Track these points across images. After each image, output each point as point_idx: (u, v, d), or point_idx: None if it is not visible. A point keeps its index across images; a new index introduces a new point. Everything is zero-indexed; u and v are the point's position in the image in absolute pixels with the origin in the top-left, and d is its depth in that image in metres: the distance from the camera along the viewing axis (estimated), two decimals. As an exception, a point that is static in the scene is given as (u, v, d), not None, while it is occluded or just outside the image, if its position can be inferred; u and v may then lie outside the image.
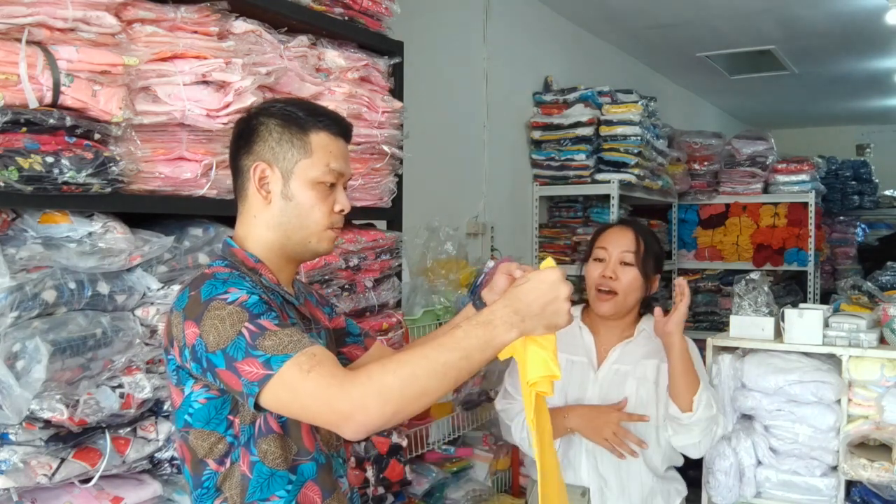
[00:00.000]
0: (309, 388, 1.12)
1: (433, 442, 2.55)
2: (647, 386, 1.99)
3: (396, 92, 2.27)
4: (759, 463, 2.50)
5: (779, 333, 2.57)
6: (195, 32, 1.64)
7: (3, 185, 1.30)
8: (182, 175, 1.62)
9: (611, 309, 2.01)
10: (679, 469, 2.10)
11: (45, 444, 1.38)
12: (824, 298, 4.31)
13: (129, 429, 1.52)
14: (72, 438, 1.42)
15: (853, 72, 6.51)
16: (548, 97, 4.48)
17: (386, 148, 2.18)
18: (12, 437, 1.36)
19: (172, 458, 1.57)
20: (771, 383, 2.43)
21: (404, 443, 2.19)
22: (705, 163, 5.43)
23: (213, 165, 1.66)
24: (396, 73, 2.27)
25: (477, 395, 2.71)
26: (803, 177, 5.34)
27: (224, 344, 1.16)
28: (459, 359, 1.15)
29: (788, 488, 2.48)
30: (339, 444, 1.43)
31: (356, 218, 2.16)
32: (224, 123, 1.65)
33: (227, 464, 1.27)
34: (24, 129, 1.34)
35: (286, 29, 1.89)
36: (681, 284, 1.92)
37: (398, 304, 2.29)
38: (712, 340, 2.62)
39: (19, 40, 1.33)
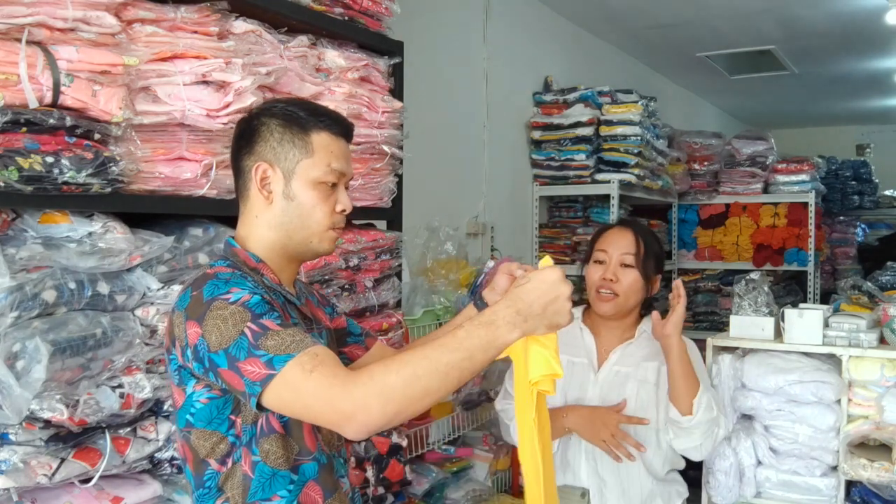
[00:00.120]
0: (311, 387, 1.12)
1: (433, 442, 2.55)
2: (648, 388, 1.98)
3: (396, 92, 2.27)
4: (759, 463, 2.50)
5: (779, 333, 2.57)
6: (195, 32, 1.63)
7: (3, 185, 1.30)
8: (182, 175, 1.62)
9: (611, 309, 2.01)
10: (679, 469, 2.10)
11: (45, 444, 1.38)
12: (824, 298, 4.31)
13: (129, 429, 1.52)
14: (72, 438, 1.42)
15: (853, 72, 6.51)
16: (548, 97, 4.48)
17: (386, 148, 2.18)
18: (12, 437, 1.36)
19: (172, 458, 1.57)
20: (771, 383, 2.43)
21: (404, 443, 2.19)
22: (705, 163, 5.43)
23: (213, 165, 1.66)
24: (396, 73, 2.27)
25: (477, 395, 2.71)
26: (803, 177, 5.34)
27: (226, 344, 1.16)
28: (462, 359, 1.15)
29: (788, 488, 2.48)
30: (340, 444, 1.43)
31: (356, 218, 2.16)
32: (224, 123, 1.65)
33: (229, 464, 1.27)
34: (24, 129, 1.34)
35: (286, 29, 1.89)
36: (677, 286, 1.92)
37: (398, 304, 2.29)
38: (712, 340, 2.62)
39: (19, 40, 1.33)
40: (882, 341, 2.46)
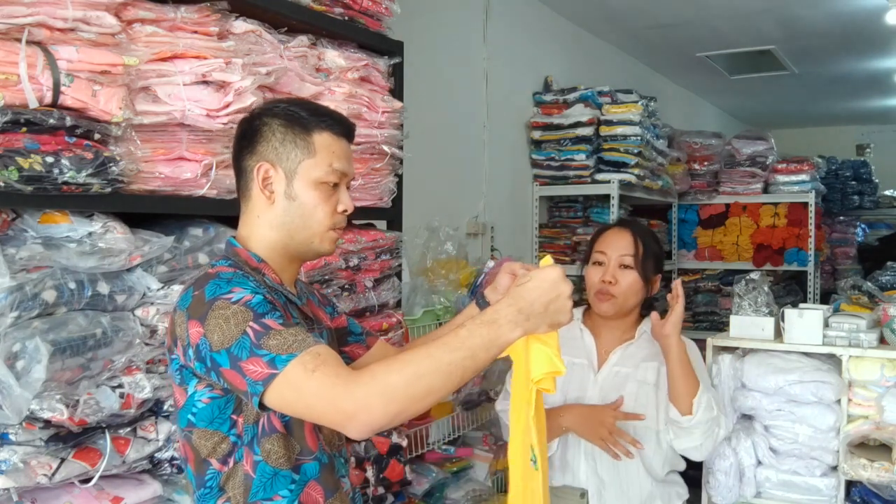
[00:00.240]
0: (313, 387, 1.12)
1: (433, 442, 2.55)
2: (647, 389, 1.98)
3: (396, 92, 2.27)
4: (759, 463, 2.50)
5: (779, 333, 2.57)
6: (195, 32, 1.64)
7: (3, 185, 1.30)
8: (182, 175, 1.62)
9: (611, 310, 2.00)
10: (679, 470, 2.09)
11: (45, 444, 1.38)
12: (824, 298, 4.31)
13: (129, 429, 1.52)
14: (72, 438, 1.42)
15: (853, 72, 6.51)
16: (548, 97, 4.48)
17: (386, 148, 2.18)
18: (12, 437, 1.36)
19: (172, 458, 1.57)
20: (771, 383, 2.43)
21: (404, 443, 2.19)
22: (705, 163, 5.43)
23: (213, 165, 1.66)
24: (396, 73, 2.27)
25: (477, 395, 2.71)
26: (803, 177, 5.34)
27: (228, 343, 1.16)
28: (464, 358, 1.16)
29: (788, 488, 2.48)
30: (341, 443, 1.43)
31: (356, 218, 2.16)
32: (224, 123, 1.65)
33: (231, 463, 1.27)
34: (24, 129, 1.34)
35: (286, 29, 1.89)
36: (675, 286, 1.92)
37: (398, 304, 2.29)
38: (712, 340, 2.61)
39: (19, 40, 1.33)
40: (882, 341, 2.46)
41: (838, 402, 2.41)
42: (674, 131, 5.38)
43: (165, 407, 1.58)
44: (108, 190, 1.46)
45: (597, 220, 4.41)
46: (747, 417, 2.56)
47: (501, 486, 2.82)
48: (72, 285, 1.41)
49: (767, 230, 5.36)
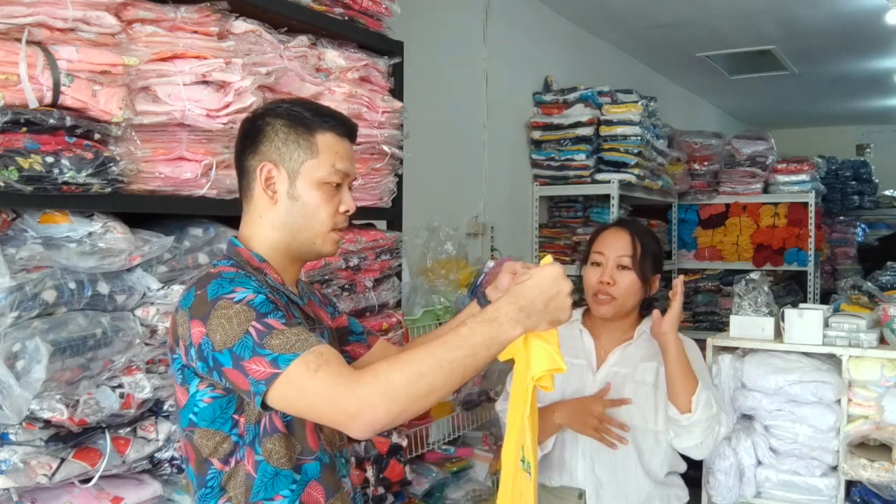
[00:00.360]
0: (316, 387, 1.12)
1: (433, 442, 2.55)
2: (646, 389, 1.98)
3: (396, 92, 2.27)
4: (759, 463, 2.50)
5: (779, 333, 2.57)
6: (195, 32, 1.64)
7: (3, 185, 1.30)
8: (182, 175, 1.62)
9: (609, 311, 2.00)
10: (680, 472, 2.08)
11: (45, 444, 1.38)
12: (824, 298, 4.31)
13: (129, 429, 1.52)
14: (72, 438, 1.42)
15: (853, 72, 6.51)
16: (548, 97, 4.48)
17: (386, 148, 2.18)
18: (12, 437, 1.36)
19: (172, 458, 1.57)
20: (771, 383, 2.43)
21: (404, 443, 2.19)
22: (705, 163, 5.43)
23: (213, 165, 1.66)
24: (396, 73, 2.27)
25: (477, 395, 2.71)
26: (803, 177, 5.34)
27: (231, 343, 1.16)
28: (465, 356, 1.16)
29: (788, 488, 2.48)
30: (342, 443, 1.43)
31: (356, 218, 2.16)
32: (224, 123, 1.65)
33: (232, 463, 1.27)
34: (24, 129, 1.34)
35: (286, 29, 1.89)
36: (675, 283, 1.92)
37: (398, 304, 2.29)
38: (712, 340, 2.62)
39: (19, 40, 1.33)
40: (882, 341, 2.46)
41: (838, 402, 2.42)
42: (674, 131, 5.38)
43: (165, 407, 1.58)
44: (108, 190, 1.46)
45: (597, 220, 4.41)
46: (747, 417, 2.56)
47: (501, 486, 2.82)
48: (72, 285, 1.41)
49: (767, 230, 5.36)
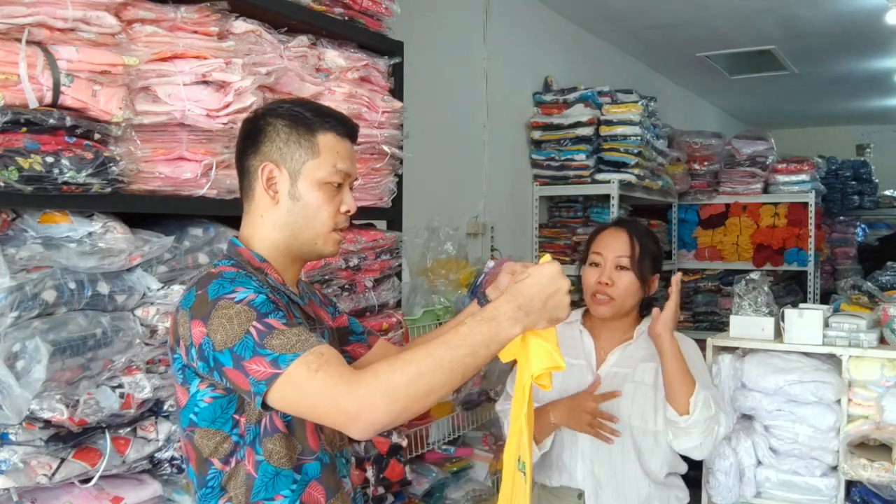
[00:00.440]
0: (316, 387, 1.13)
1: (433, 442, 2.55)
2: (645, 389, 1.97)
3: (396, 92, 2.27)
4: (759, 463, 2.50)
5: (779, 333, 2.56)
6: (195, 32, 1.64)
7: (3, 185, 1.30)
8: (182, 175, 1.62)
9: (608, 312, 2.00)
10: (680, 473, 2.08)
11: (45, 444, 1.38)
12: (824, 298, 4.31)
13: (129, 429, 1.52)
14: (72, 438, 1.42)
15: (853, 72, 6.51)
16: (548, 97, 4.48)
17: (386, 148, 2.18)
18: (12, 437, 1.36)
19: (172, 458, 1.57)
20: (771, 383, 2.43)
21: (404, 443, 2.19)
22: (705, 163, 5.43)
23: (213, 165, 1.66)
24: (396, 73, 2.27)
25: (477, 395, 2.71)
26: (803, 177, 5.34)
27: (232, 343, 1.16)
28: (465, 355, 1.16)
29: (788, 488, 2.48)
30: (342, 443, 1.43)
31: (356, 218, 2.16)
32: (224, 123, 1.65)
33: (233, 463, 1.27)
34: (24, 129, 1.34)
35: (286, 29, 1.89)
36: (673, 281, 1.91)
37: (398, 304, 2.29)
38: (712, 340, 2.61)
39: (19, 40, 1.33)
40: (882, 341, 2.46)
41: (838, 402, 2.41)
42: (674, 131, 5.39)
43: (165, 407, 1.58)
44: (108, 190, 1.46)
45: (597, 220, 4.41)
46: (747, 417, 2.56)
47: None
48: (72, 285, 1.41)
49: (767, 230, 5.36)
